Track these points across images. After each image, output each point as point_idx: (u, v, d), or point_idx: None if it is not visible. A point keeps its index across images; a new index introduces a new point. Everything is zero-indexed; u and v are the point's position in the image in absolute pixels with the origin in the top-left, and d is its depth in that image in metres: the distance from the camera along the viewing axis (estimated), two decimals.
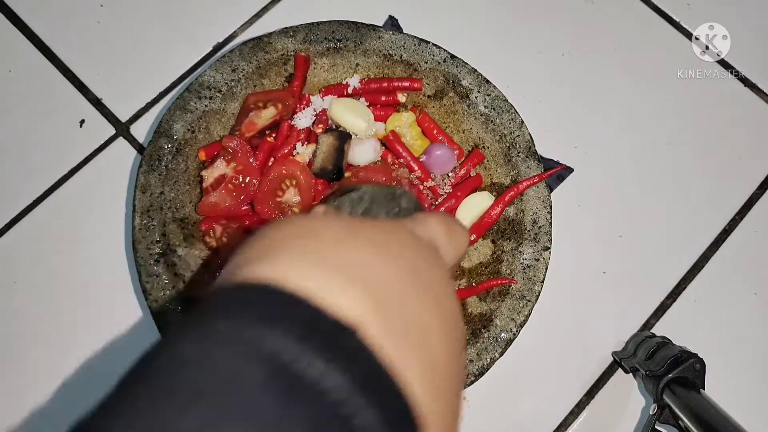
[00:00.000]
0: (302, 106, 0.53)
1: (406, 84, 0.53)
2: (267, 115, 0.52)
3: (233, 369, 0.16)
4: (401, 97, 0.53)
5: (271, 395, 0.15)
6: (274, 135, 0.52)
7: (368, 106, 0.53)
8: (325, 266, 0.19)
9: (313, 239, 0.21)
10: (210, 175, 0.50)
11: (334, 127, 0.53)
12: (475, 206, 0.51)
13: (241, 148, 0.50)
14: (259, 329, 0.17)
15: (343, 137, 0.51)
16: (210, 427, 0.14)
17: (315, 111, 0.53)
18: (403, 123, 0.53)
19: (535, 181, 0.50)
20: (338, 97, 0.53)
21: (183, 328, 0.17)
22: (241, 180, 0.50)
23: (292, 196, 0.50)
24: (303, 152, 0.51)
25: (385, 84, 0.53)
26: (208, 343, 0.16)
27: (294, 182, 0.51)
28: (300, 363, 0.16)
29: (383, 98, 0.53)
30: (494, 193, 0.52)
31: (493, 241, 0.51)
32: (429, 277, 0.22)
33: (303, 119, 0.53)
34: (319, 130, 0.52)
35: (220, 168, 0.50)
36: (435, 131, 0.53)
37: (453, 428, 0.21)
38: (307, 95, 0.53)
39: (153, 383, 0.16)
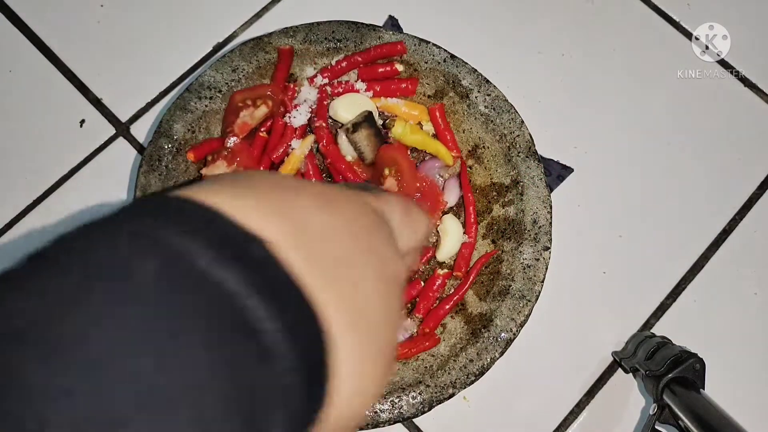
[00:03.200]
0: (290, 96, 0.52)
1: (386, 50, 0.52)
2: (259, 114, 0.51)
3: (129, 258, 0.16)
4: (399, 66, 0.53)
5: (163, 285, 0.15)
6: (264, 129, 0.52)
7: (366, 86, 0.53)
8: (254, 197, 0.19)
9: (255, 181, 0.21)
10: (210, 174, 0.50)
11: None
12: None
13: (242, 147, 0.50)
14: (166, 227, 0.17)
15: (370, 120, 0.51)
16: (104, 317, 0.14)
17: (310, 106, 0.53)
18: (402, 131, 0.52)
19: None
20: (330, 80, 0.53)
21: (97, 223, 0.18)
22: None
23: (392, 184, 0.50)
24: (298, 149, 0.51)
25: (367, 55, 0.53)
26: (112, 234, 0.17)
27: (393, 171, 0.50)
28: (198, 258, 0.16)
29: (380, 70, 0.53)
30: (494, 192, 0.52)
31: (493, 241, 0.51)
32: (372, 240, 0.22)
33: (298, 117, 0.52)
34: (322, 125, 0.51)
35: (221, 168, 0.50)
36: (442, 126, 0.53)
37: (371, 376, 0.20)
38: (292, 85, 0.53)
39: (54, 262, 0.17)
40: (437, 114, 0.52)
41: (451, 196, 0.52)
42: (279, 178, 0.22)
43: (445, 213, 0.52)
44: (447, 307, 0.49)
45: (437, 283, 0.50)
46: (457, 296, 0.49)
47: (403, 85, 0.53)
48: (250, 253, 0.17)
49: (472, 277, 0.50)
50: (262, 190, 0.20)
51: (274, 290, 0.17)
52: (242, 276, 0.16)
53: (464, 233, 0.51)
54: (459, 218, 0.52)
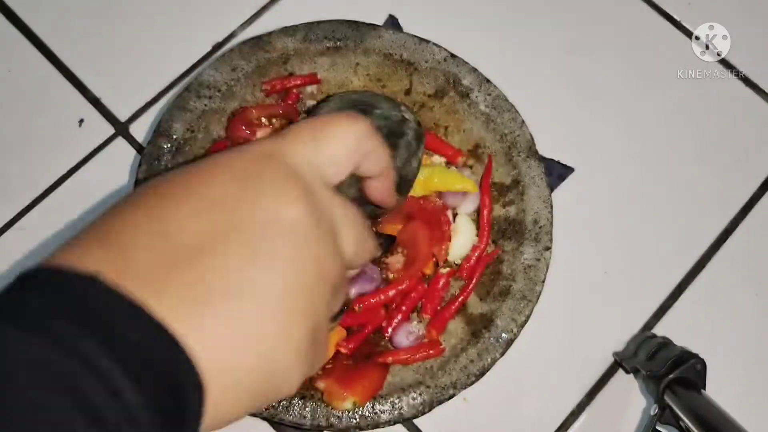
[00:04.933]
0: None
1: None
2: None
3: None
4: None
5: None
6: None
7: None
8: (93, 236, 0.22)
9: (109, 221, 0.23)
10: None
11: None
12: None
13: None
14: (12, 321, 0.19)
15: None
16: None
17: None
18: None
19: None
20: None
21: None
22: None
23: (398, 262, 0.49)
24: None
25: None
26: None
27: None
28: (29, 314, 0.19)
29: None
30: (494, 192, 0.51)
31: (493, 241, 0.51)
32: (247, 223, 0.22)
33: None
34: None
35: None
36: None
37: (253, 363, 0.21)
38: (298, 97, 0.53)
39: None
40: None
41: (470, 204, 0.51)
42: (132, 208, 0.24)
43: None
44: (453, 308, 0.49)
45: (441, 282, 0.49)
46: (462, 297, 0.49)
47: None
48: (76, 293, 0.19)
49: (475, 279, 0.49)
50: (100, 232, 0.23)
51: (109, 329, 0.18)
52: (72, 329, 0.18)
53: (476, 236, 0.51)
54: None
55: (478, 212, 0.51)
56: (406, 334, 0.48)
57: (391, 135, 0.36)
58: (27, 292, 0.20)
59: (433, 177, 0.49)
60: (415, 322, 0.49)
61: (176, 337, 0.19)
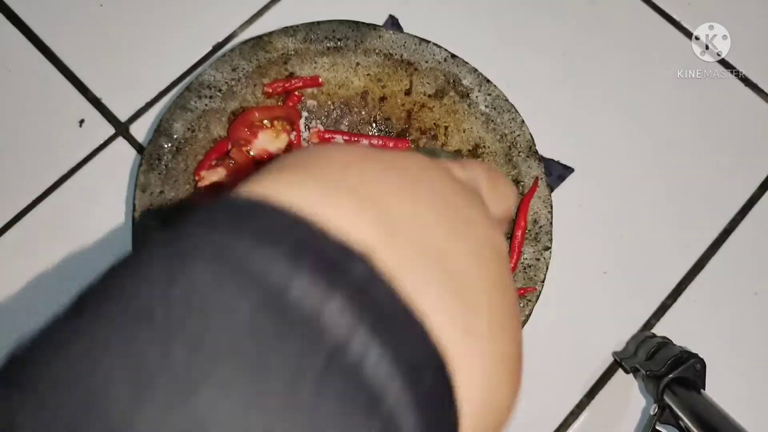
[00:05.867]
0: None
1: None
2: (281, 144, 0.51)
3: (211, 295, 0.13)
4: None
5: (258, 335, 0.12)
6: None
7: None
8: (333, 186, 0.16)
9: (323, 159, 0.17)
10: (208, 178, 0.50)
11: None
12: None
13: (244, 158, 0.50)
14: (247, 243, 0.13)
15: None
16: (183, 378, 0.12)
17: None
18: None
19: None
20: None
21: (158, 239, 0.14)
22: None
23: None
24: None
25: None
26: (183, 259, 0.13)
27: None
28: (296, 291, 0.13)
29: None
30: None
31: None
32: (469, 218, 0.18)
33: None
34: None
35: (220, 174, 0.50)
36: None
37: (501, 383, 0.18)
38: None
39: (108, 312, 0.13)
40: None
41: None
42: (350, 149, 0.19)
43: None
44: None
45: None
46: None
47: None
48: (353, 275, 0.14)
49: None
50: (336, 176, 0.17)
51: (392, 331, 0.14)
52: (351, 314, 0.13)
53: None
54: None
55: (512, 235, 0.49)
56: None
57: None
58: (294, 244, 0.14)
59: None
60: None
61: (449, 368, 0.15)
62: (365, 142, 0.52)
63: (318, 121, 0.53)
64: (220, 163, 0.51)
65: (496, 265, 0.18)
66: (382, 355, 0.13)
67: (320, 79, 0.53)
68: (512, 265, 0.48)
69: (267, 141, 0.51)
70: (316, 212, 0.15)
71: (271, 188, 0.15)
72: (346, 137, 0.52)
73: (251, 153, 0.50)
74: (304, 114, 0.53)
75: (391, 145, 0.52)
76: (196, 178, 0.50)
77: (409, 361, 0.14)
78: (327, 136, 0.52)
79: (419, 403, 0.14)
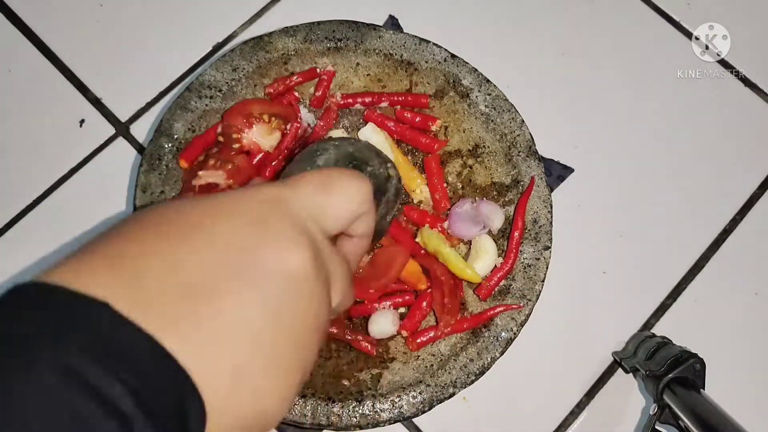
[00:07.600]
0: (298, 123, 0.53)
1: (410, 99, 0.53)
2: (273, 141, 0.51)
3: None
4: (435, 127, 0.52)
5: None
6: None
7: (394, 125, 0.52)
8: (100, 258, 0.21)
9: (126, 233, 0.22)
10: (205, 178, 0.49)
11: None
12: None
13: (246, 164, 0.50)
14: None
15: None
16: None
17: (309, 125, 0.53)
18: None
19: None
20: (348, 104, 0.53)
21: None
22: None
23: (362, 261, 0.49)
24: None
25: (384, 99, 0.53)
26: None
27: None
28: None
29: (417, 119, 0.52)
30: (495, 192, 0.52)
31: (494, 241, 0.51)
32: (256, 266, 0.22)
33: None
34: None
35: (219, 176, 0.49)
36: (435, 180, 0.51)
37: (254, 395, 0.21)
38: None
39: None
40: (432, 164, 0.51)
41: (496, 220, 0.50)
42: (169, 217, 0.23)
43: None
44: (434, 335, 0.48)
45: (424, 303, 0.49)
46: (446, 332, 0.48)
47: (435, 146, 0.52)
48: (85, 318, 0.18)
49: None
50: (117, 243, 0.21)
51: (119, 362, 0.18)
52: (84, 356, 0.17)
53: (499, 256, 0.49)
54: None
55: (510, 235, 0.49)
56: (383, 319, 0.48)
57: (377, 192, 0.38)
58: (29, 310, 0.19)
59: (449, 260, 0.48)
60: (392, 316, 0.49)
61: (186, 371, 0.19)
62: (385, 102, 0.53)
63: (318, 121, 0.53)
64: (218, 164, 0.50)
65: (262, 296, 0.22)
66: (124, 393, 0.17)
67: (318, 70, 0.53)
68: (510, 264, 0.49)
69: (260, 134, 0.51)
70: (63, 281, 0.19)
71: (56, 272, 0.20)
72: (368, 98, 0.53)
73: (243, 141, 0.50)
74: (303, 110, 0.53)
75: (410, 99, 0.53)
76: (183, 166, 0.50)
77: (149, 396, 0.18)
78: (348, 100, 0.53)
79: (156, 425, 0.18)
